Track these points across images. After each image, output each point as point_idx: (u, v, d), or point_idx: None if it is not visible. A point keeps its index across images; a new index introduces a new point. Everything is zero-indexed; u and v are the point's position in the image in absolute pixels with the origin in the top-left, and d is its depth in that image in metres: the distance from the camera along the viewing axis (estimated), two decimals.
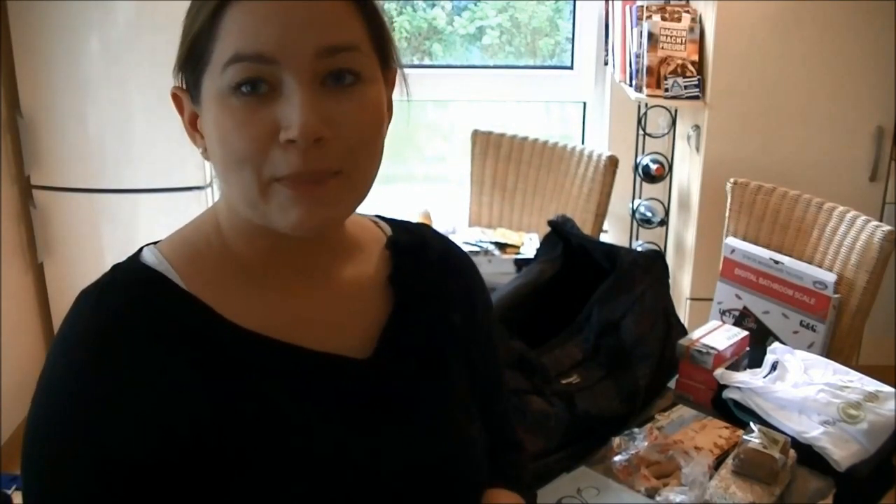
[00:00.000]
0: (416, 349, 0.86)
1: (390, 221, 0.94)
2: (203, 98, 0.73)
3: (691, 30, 2.82)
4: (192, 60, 0.73)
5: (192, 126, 0.77)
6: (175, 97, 0.77)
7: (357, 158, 0.73)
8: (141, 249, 0.80)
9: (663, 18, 2.85)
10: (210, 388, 0.73)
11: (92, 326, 0.72)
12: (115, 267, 0.77)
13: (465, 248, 2.56)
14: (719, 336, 1.67)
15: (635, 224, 3.26)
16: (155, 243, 0.80)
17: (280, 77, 0.69)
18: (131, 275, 0.76)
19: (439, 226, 2.70)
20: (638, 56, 2.87)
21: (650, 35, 2.83)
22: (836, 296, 2.10)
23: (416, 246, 0.91)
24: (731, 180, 2.39)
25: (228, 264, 0.78)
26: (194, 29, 0.72)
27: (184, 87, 0.76)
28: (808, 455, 1.43)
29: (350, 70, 0.71)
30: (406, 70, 0.81)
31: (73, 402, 0.71)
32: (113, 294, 0.74)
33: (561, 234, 1.77)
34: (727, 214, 2.39)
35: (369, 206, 0.97)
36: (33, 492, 0.72)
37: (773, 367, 1.63)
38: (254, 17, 0.69)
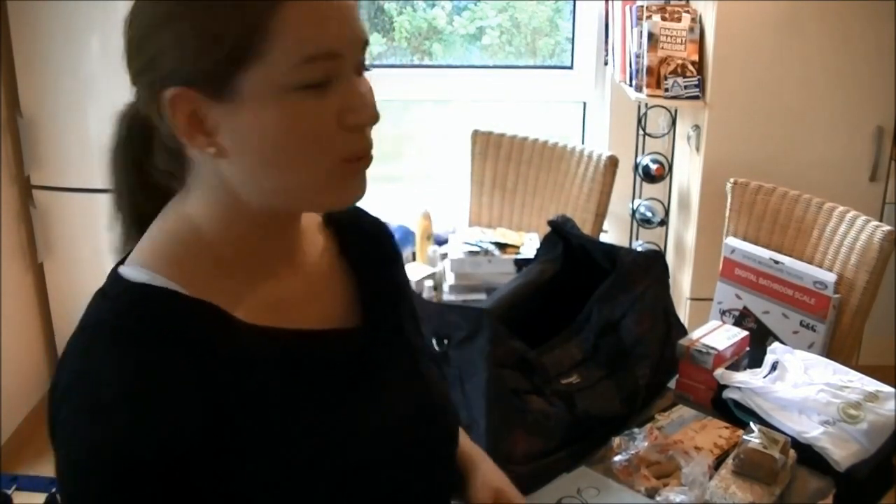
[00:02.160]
0: (386, 312, 0.93)
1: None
2: (244, 95, 0.73)
3: (691, 30, 2.82)
4: (232, 60, 0.72)
5: (194, 128, 0.75)
6: (174, 99, 0.74)
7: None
8: (116, 273, 0.79)
9: (663, 18, 2.85)
10: (221, 384, 0.75)
11: (118, 359, 0.73)
12: (110, 296, 0.77)
13: (465, 248, 2.55)
14: (719, 336, 1.67)
15: (635, 224, 3.26)
16: (120, 263, 0.80)
17: (339, 69, 0.75)
18: (137, 297, 0.76)
19: (439, 226, 2.70)
20: (638, 56, 2.87)
21: (650, 35, 2.83)
22: (836, 296, 2.10)
23: (350, 219, 0.96)
24: (731, 180, 2.39)
25: (211, 262, 0.80)
26: (233, 29, 0.71)
27: (194, 86, 0.73)
28: (808, 455, 1.44)
29: (364, 60, 0.79)
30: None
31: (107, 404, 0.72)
32: (130, 320, 0.75)
33: (561, 234, 1.77)
34: (727, 214, 2.39)
35: (370, 205, 0.97)
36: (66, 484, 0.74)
37: (773, 367, 1.63)
38: (317, 15, 0.73)
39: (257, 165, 0.76)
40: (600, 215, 2.72)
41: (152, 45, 0.74)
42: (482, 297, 2.29)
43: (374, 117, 0.77)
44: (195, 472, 0.72)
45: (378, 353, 0.89)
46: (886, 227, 2.05)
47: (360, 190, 0.80)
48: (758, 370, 1.63)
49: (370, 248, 0.97)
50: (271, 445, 0.76)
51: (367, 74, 0.80)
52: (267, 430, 0.76)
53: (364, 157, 0.78)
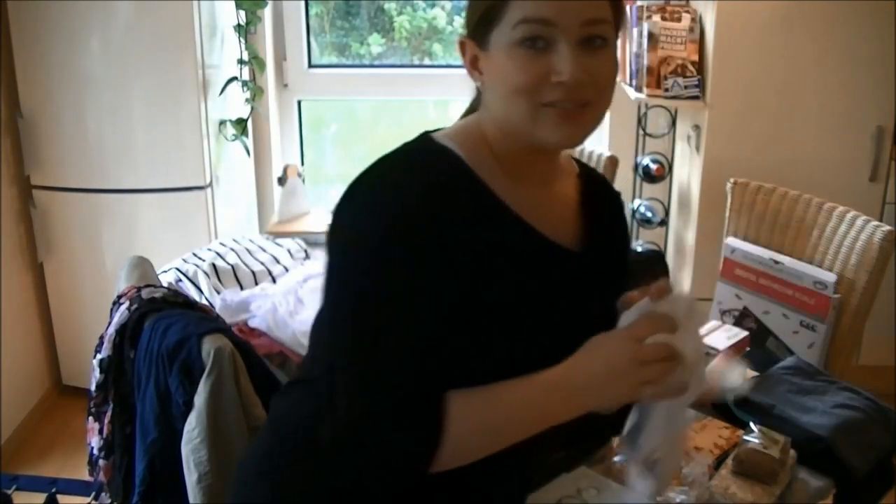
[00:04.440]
0: (600, 259, 1.13)
1: (578, 162, 1.22)
2: (491, 47, 1.02)
3: (691, 30, 2.82)
4: (486, 19, 1.01)
5: (474, 66, 1.06)
6: (462, 44, 1.07)
7: (600, 97, 1.03)
8: (427, 136, 1.08)
9: (663, 18, 2.85)
10: (478, 247, 1.00)
11: (409, 193, 0.99)
12: (417, 147, 1.06)
13: None
14: (719, 336, 1.68)
15: (635, 224, 3.26)
16: (434, 131, 1.09)
17: (555, 37, 0.99)
18: (439, 151, 1.05)
19: None
20: (638, 56, 2.87)
21: (650, 35, 2.83)
22: (836, 296, 2.10)
23: (598, 184, 1.22)
24: (731, 180, 2.39)
25: (492, 159, 1.07)
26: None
27: (472, 37, 1.04)
28: (809, 455, 1.44)
29: (601, 36, 1.01)
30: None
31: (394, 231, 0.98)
32: (430, 161, 1.04)
33: None
34: (727, 214, 2.39)
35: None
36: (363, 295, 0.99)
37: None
38: None
39: (498, 97, 1.04)
40: None
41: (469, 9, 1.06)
42: None
43: (572, 79, 0.98)
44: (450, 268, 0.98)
45: (583, 279, 1.10)
46: (886, 227, 2.05)
47: (558, 133, 1.01)
48: None
49: (604, 213, 1.19)
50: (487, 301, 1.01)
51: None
52: (487, 288, 1.00)
53: (564, 108, 0.99)
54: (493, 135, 1.07)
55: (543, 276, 1.07)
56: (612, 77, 1.04)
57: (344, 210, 1.02)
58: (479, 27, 1.03)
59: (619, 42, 1.06)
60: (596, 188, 1.20)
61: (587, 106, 1.02)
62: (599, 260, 1.14)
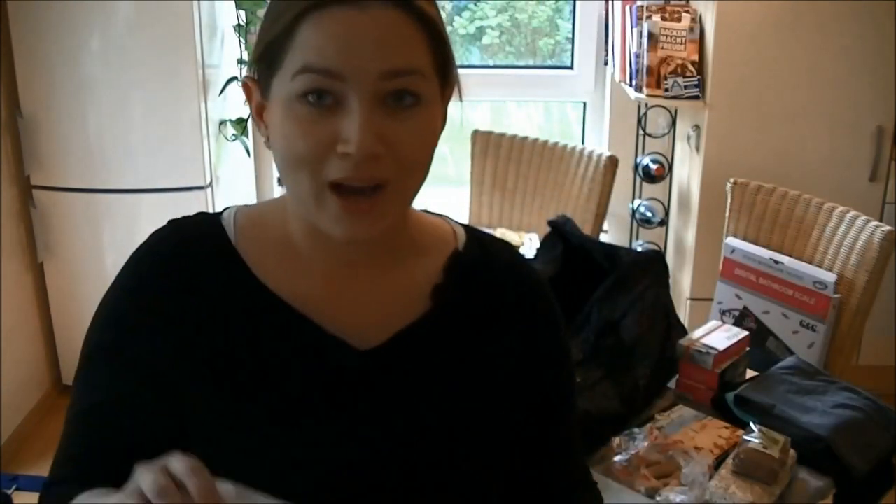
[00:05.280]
0: (424, 363, 0.86)
1: (472, 233, 0.94)
2: (272, 97, 0.79)
3: (691, 30, 2.82)
4: (266, 61, 0.78)
5: (259, 115, 0.83)
6: (245, 86, 0.85)
7: (405, 174, 0.78)
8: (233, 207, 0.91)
9: (663, 18, 2.85)
10: (216, 330, 0.82)
11: (145, 252, 0.86)
12: (200, 213, 0.90)
13: None
14: (719, 336, 1.67)
15: (635, 224, 3.26)
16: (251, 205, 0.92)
17: (345, 93, 0.74)
18: (199, 221, 0.89)
19: None
20: (638, 56, 2.87)
21: (650, 35, 2.83)
22: (836, 296, 2.10)
23: (479, 265, 0.91)
24: (731, 180, 2.39)
25: (281, 238, 0.86)
26: (272, 33, 0.77)
27: (256, 79, 0.82)
28: (809, 455, 1.44)
29: (411, 92, 0.76)
30: None
31: (107, 306, 0.86)
32: (176, 231, 0.87)
33: (561, 234, 1.77)
34: (727, 214, 2.39)
35: None
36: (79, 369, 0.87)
37: None
38: (326, 33, 0.74)
39: (278, 163, 0.80)
40: (600, 215, 2.72)
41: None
42: None
43: (361, 151, 0.73)
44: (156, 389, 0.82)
45: (369, 385, 0.84)
46: (886, 227, 2.05)
47: (341, 227, 0.77)
48: None
49: (477, 305, 0.89)
50: (219, 399, 0.82)
51: None
52: (221, 383, 0.82)
53: (348, 195, 0.76)
54: (291, 209, 0.86)
55: (303, 372, 0.83)
56: (424, 146, 0.79)
57: None
58: (260, 70, 0.80)
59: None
60: (473, 272, 0.90)
61: (383, 189, 0.77)
62: (419, 361, 0.86)
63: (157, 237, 0.87)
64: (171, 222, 0.88)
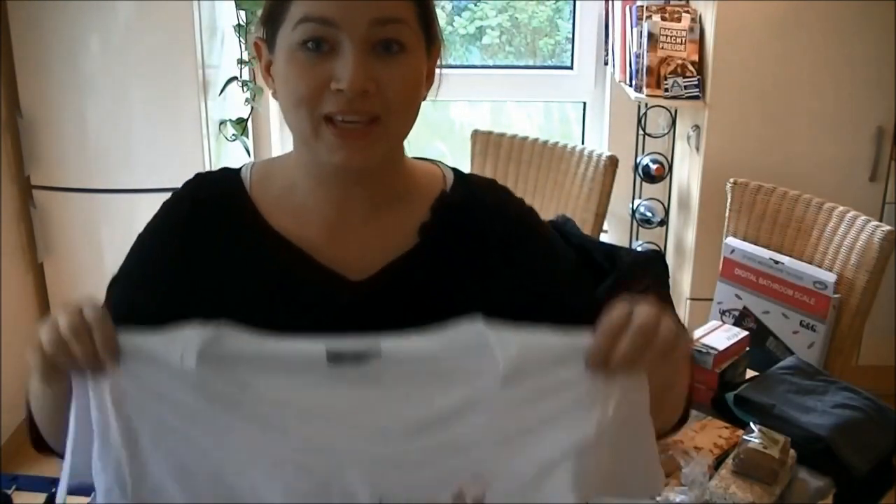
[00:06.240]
0: (410, 294, 0.94)
1: (461, 177, 1.03)
2: (277, 49, 0.90)
3: (691, 30, 2.82)
4: (272, 18, 0.90)
5: (267, 71, 0.94)
6: (256, 46, 0.95)
7: (393, 112, 0.89)
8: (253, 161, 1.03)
9: (663, 18, 2.85)
10: (226, 263, 0.94)
11: (172, 198, 1.00)
12: (224, 167, 1.02)
13: None
14: (719, 336, 1.68)
15: (635, 224, 3.26)
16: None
17: (339, 39, 0.86)
18: (221, 173, 1.01)
19: None
20: (638, 56, 2.87)
21: (650, 35, 2.83)
22: (836, 296, 2.10)
23: (465, 204, 1.00)
24: (731, 180, 2.39)
25: (288, 186, 0.97)
26: None
27: (264, 38, 0.92)
28: (809, 455, 1.44)
29: (397, 40, 0.87)
30: None
31: (134, 243, 1.00)
32: (201, 181, 1.00)
33: (561, 234, 1.77)
34: (727, 214, 2.39)
35: None
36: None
37: None
38: None
39: (284, 109, 0.91)
40: (600, 215, 2.72)
41: None
42: None
43: (352, 87, 0.84)
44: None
45: (362, 313, 0.92)
46: (886, 227, 2.05)
47: (338, 154, 0.88)
48: None
49: (461, 243, 0.97)
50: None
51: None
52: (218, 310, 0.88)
53: (344, 127, 0.86)
54: (295, 156, 0.99)
55: (303, 301, 0.93)
56: (409, 89, 0.90)
57: None
58: (267, 27, 0.92)
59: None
60: (460, 211, 0.99)
61: (375, 122, 0.88)
62: (408, 290, 0.94)
63: (184, 186, 1.00)
64: (197, 174, 1.01)
